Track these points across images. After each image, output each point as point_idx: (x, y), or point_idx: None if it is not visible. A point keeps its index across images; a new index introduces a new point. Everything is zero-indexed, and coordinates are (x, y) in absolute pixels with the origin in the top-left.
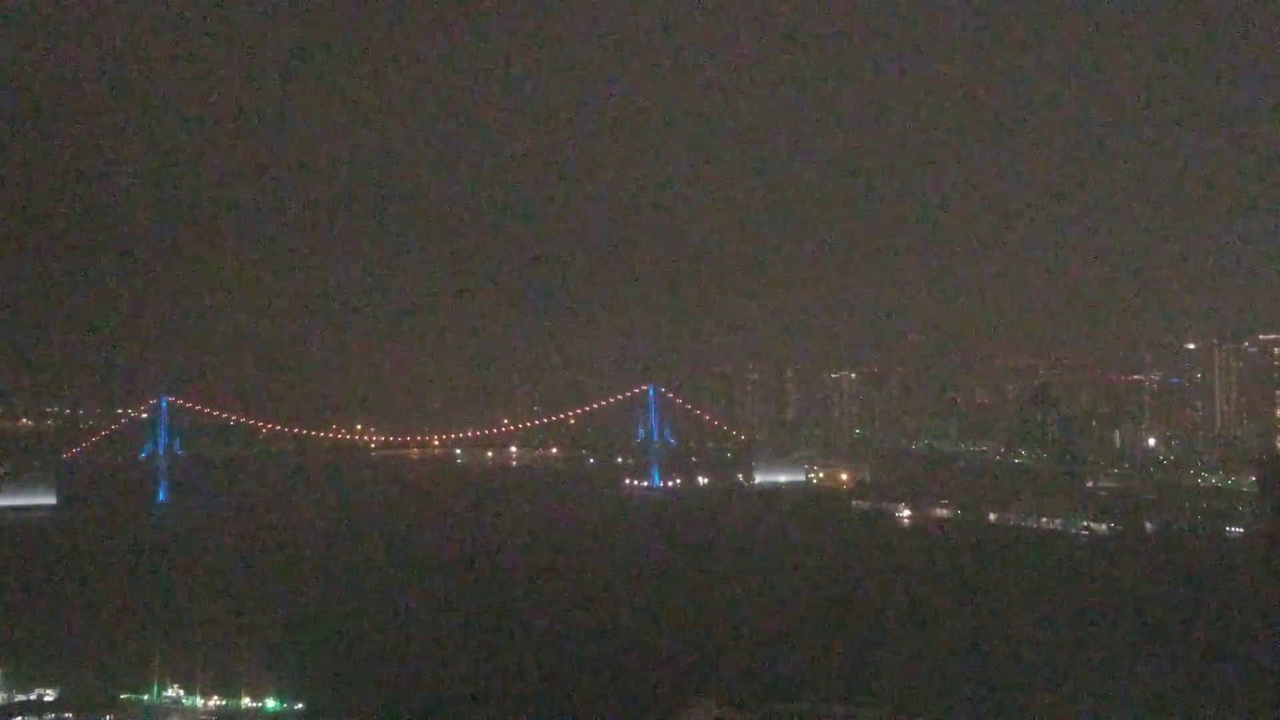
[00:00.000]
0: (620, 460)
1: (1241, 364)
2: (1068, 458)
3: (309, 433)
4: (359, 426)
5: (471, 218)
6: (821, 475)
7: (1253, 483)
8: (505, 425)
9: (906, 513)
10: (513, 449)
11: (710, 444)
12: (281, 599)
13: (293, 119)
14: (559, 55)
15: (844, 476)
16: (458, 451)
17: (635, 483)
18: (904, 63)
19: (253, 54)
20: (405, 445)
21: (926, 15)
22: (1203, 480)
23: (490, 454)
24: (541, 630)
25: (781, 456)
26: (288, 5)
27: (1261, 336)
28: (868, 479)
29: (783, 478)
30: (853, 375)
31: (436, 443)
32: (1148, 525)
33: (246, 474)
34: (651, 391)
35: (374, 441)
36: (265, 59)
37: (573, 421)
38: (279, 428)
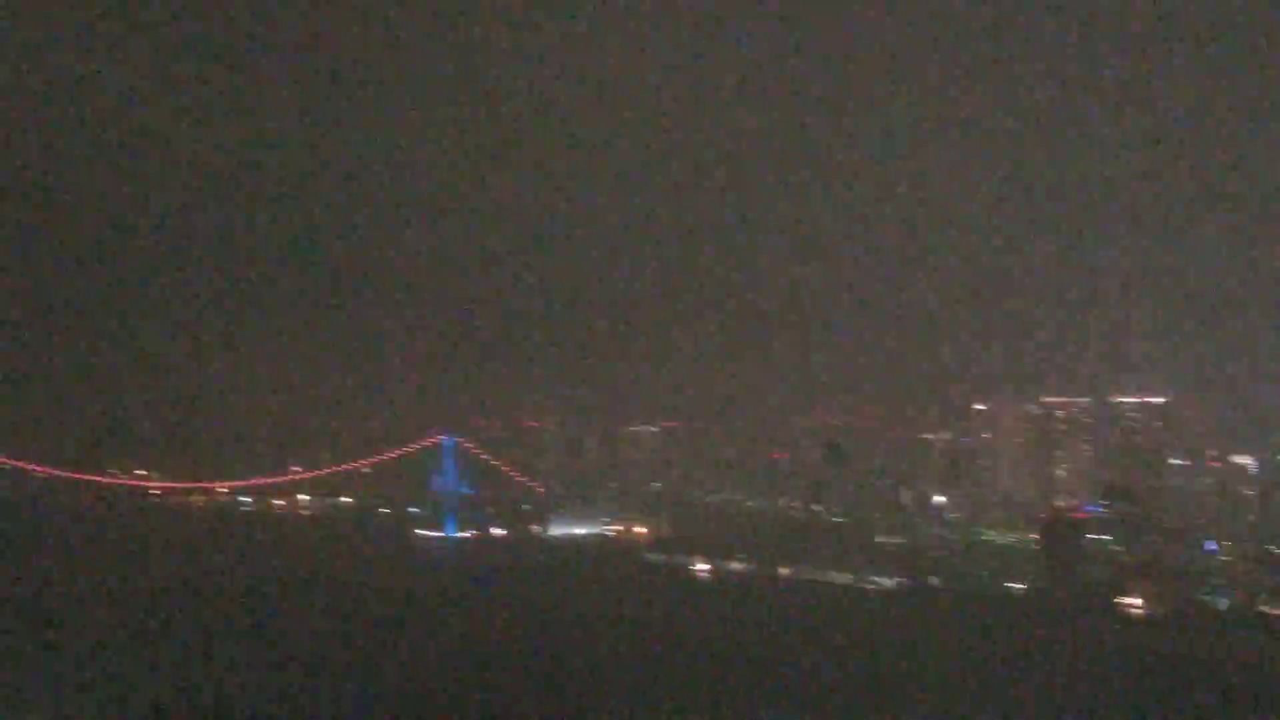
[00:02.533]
0: (414, 510)
1: (1025, 425)
2: (859, 514)
3: (86, 477)
4: (141, 471)
5: (264, 263)
6: (619, 529)
7: (1033, 540)
8: (296, 473)
9: (703, 566)
10: (303, 497)
11: (507, 495)
12: None
13: None
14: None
15: (642, 530)
16: (242, 499)
17: (428, 533)
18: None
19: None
20: (188, 491)
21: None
22: (987, 537)
23: (280, 501)
24: None
25: (579, 509)
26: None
27: (1044, 399)
28: (666, 533)
29: (580, 530)
30: (652, 429)
31: (223, 489)
32: (933, 580)
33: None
34: (448, 441)
35: (155, 487)
36: None
37: (367, 470)
38: (53, 470)
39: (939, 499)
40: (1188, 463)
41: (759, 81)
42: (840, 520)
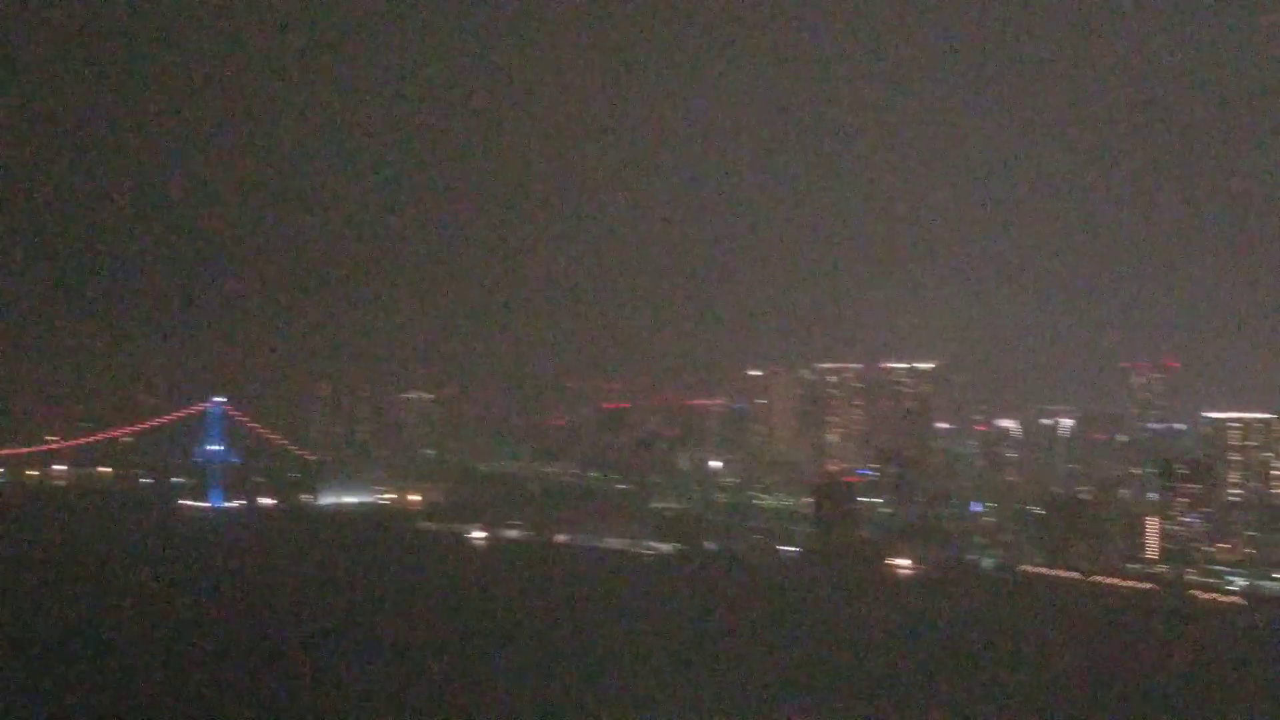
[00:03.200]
0: (178, 480)
1: (799, 391)
2: (636, 480)
3: None
4: None
5: (19, 225)
6: (393, 497)
7: (807, 503)
8: (52, 442)
9: (479, 534)
10: (58, 467)
11: (276, 464)
12: None
13: None
14: None
15: (416, 498)
16: None
17: (193, 503)
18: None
19: None
20: None
21: None
22: (762, 501)
23: (34, 473)
24: None
25: (350, 477)
26: None
27: (817, 364)
28: (441, 500)
29: (351, 499)
30: (427, 396)
31: None
32: (709, 545)
33: None
34: (215, 409)
35: None
36: None
37: (129, 439)
38: None
39: (715, 464)
40: (955, 426)
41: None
42: (619, 486)
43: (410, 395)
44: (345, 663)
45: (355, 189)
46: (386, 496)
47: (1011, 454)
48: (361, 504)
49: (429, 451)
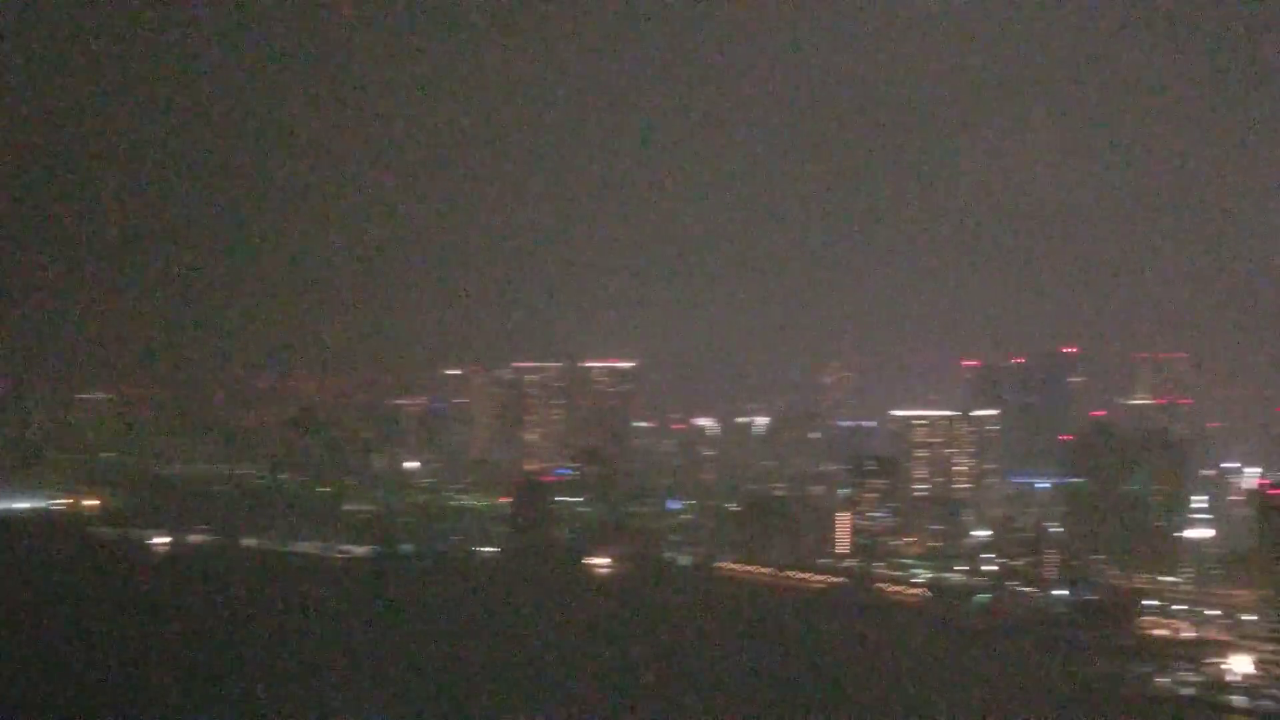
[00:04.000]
0: None
1: (498, 390)
2: (329, 481)
3: None
4: None
5: None
6: (68, 501)
7: (505, 503)
8: None
9: (162, 539)
10: None
11: None
12: None
13: None
14: None
15: (93, 502)
16: None
17: None
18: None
19: None
20: None
21: None
22: (460, 502)
23: None
24: None
25: (21, 480)
26: None
27: (516, 363)
28: (120, 505)
29: (21, 504)
30: (105, 396)
31: None
32: (405, 547)
33: None
34: None
35: None
36: None
37: None
38: None
39: (412, 464)
40: (653, 425)
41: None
42: (316, 489)
43: (89, 396)
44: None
45: (29, 179)
46: (61, 501)
47: (709, 452)
48: (34, 509)
49: (108, 454)
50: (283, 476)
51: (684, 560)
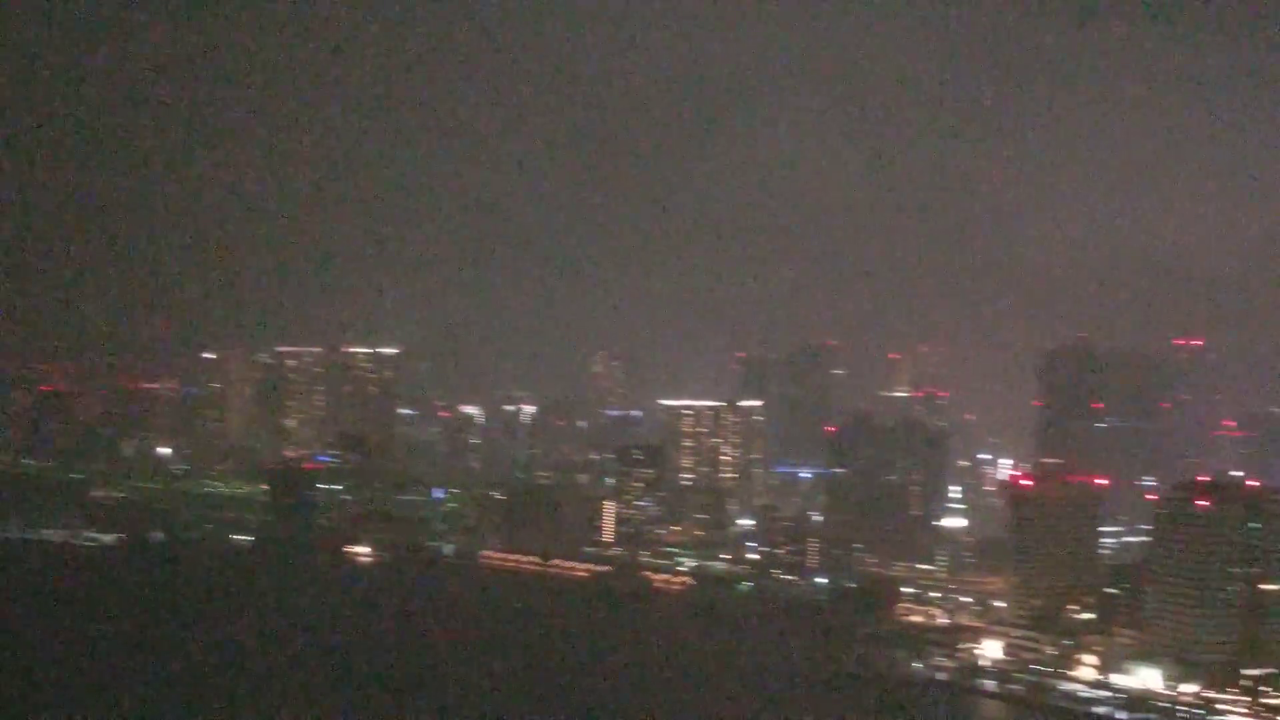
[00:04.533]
0: None
1: (257, 374)
2: (77, 467)
3: None
4: None
5: None
6: None
7: (263, 490)
8: None
9: None
10: None
11: None
12: None
13: None
14: None
15: None
16: None
17: None
18: None
19: None
20: None
21: None
22: (215, 489)
23: None
24: None
25: None
26: None
27: (276, 348)
28: None
29: None
30: None
31: None
32: (156, 535)
33: None
34: None
35: None
36: None
37: None
38: None
39: (164, 450)
40: (418, 412)
41: None
42: (63, 475)
43: None
44: None
45: None
46: None
47: (474, 440)
48: None
49: None
50: (27, 462)
51: (447, 549)
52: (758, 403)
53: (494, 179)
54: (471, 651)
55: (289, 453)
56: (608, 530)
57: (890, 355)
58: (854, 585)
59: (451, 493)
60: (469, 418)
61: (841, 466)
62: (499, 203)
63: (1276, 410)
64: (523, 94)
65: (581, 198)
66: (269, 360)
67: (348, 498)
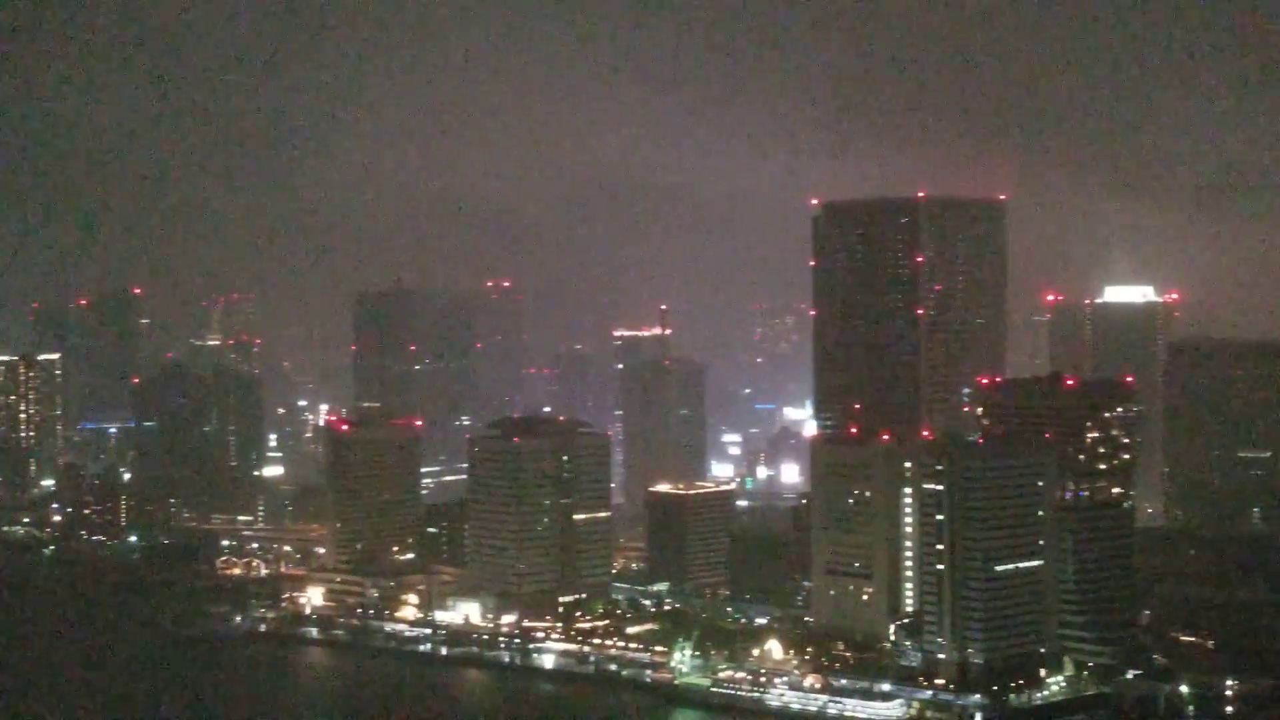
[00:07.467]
0: None
1: None
2: None
3: None
4: None
5: None
6: None
7: None
8: None
9: None
10: None
11: None
12: None
13: None
14: None
15: None
16: None
17: None
18: None
19: None
20: None
21: None
22: None
23: None
24: None
25: None
26: None
27: None
28: None
29: None
30: None
31: None
32: None
33: None
34: None
35: None
36: None
37: None
38: None
39: None
40: None
41: None
42: None
43: None
44: None
45: None
46: None
47: None
48: None
49: None
50: None
51: None
52: (56, 355)
53: None
54: None
55: None
56: None
57: (202, 303)
58: (169, 542)
59: None
60: None
61: (152, 419)
62: None
63: (580, 349)
64: None
65: None
66: None
67: None
